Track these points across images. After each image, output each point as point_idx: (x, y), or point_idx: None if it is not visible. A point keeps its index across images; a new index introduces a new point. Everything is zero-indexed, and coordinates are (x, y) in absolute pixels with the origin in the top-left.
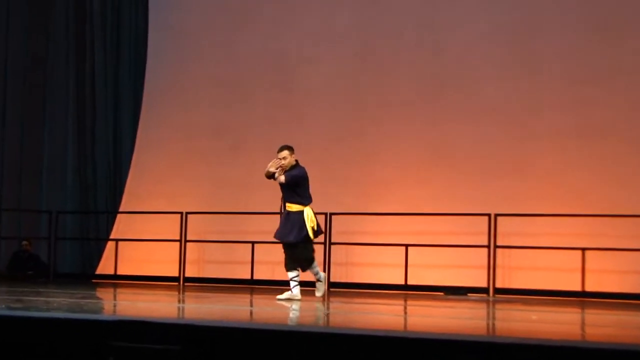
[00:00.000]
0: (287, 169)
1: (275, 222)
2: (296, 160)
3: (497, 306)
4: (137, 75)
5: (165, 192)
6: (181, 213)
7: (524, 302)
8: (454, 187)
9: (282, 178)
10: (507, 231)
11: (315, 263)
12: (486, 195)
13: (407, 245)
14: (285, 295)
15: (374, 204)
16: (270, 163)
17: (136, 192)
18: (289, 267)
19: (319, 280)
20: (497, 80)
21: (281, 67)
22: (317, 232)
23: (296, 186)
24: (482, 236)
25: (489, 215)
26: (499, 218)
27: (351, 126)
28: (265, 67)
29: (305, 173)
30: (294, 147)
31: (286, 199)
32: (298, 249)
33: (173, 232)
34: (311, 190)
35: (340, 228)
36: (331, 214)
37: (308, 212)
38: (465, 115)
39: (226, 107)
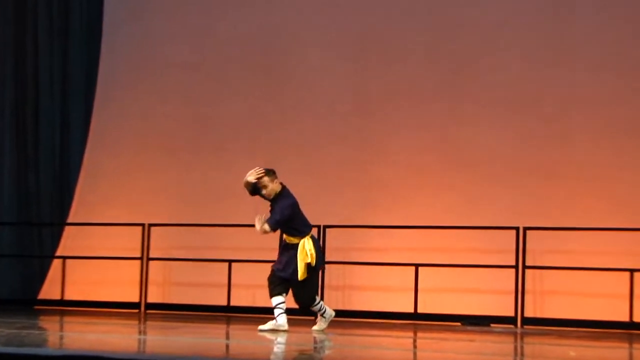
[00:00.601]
0: (271, 197)
1: (256, 235)
2: (281, 184)
3: (527, 340)
4: (89, 64)
5: (124, 199)
6: (143, 225)
7: (560, 335)
8: (473, 195)
9: (267, 227)
10: (539, 248)
11: (319, 300)
12: (513, 206)
13: (417, 265)
14: (269, 325)
15: (377, 215)
16: (256, 221)
17: (88, 200)
18: (274, 291)
19: (323, 316)
20: (527, 68)
21: (268, 51)
22: (314, 267)
23: (289, 220)
24: (509, 254)
25: (516, 229)
26: (528, 232)
27: (351, 121)
28: (249, 51)
29: (294, 199)
30: (274, 170)
31: (282, 232)
32: (296, 285)
33: (133, 248)
34: (302, 199)
35: (336, 244)
36: (325, 226)
37: (303, 245)
38: (487, 110)
39: (200, 99)
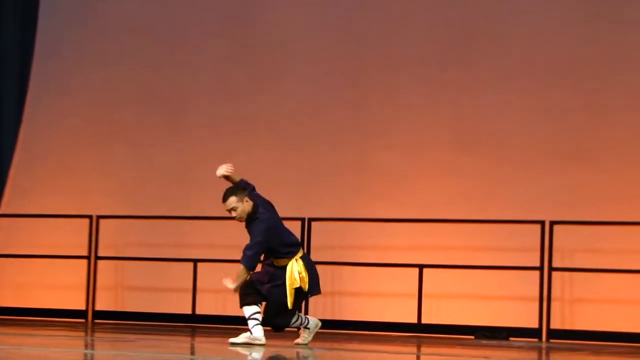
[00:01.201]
0: (244, 219)
1: (228, 229)
2: (254, 202)
3: (553, 356)
4: (23, 28)
5: (67, 187)
6: (90, 217)
7: (592, 351)
8: (490, 182)
9: (243, 272)
10: (568, 246)
11: (298, 316)
12: (537, 195)
13: (421, 266)
14: (242, 338)
15: (373, 205)
16: (226, 283)
17: (23, 187)
18: (246, 300)
19: (306, 327)
20: (552, 33)
21: (236, 5)
22: (306, 294)
23: (271, 247)
24: (532, 254)
25: (541, 223)
26: (556, 227)
27: (343, 96)
28: (217, 9)
29: (268, 220)
30: (243, 186)
31: (266, 257)
32: (274, 305)
33: (78, 245)
34: (279, 186)
35: (322, 240)
36: (310, 219)
37: (292, 269)
38: (508, 80)
39: (158, 65)
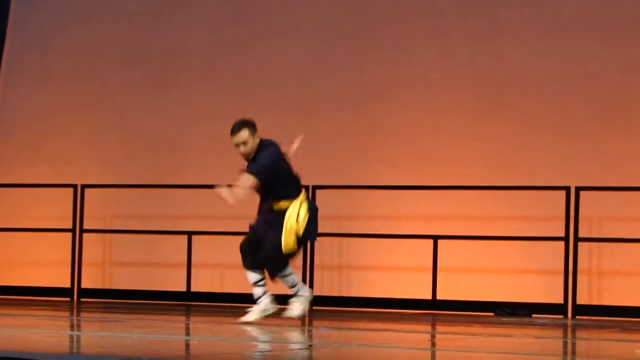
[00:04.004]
0: (251, 156)
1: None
2: (260, 140)
3: (580, 334)
4: None
5: (49, 154)
6: (74, 186)
7: (622, 328)
8: (510, 146)
9: (248, 181)
10: (596, 215)
11: (292, 271)
12: (563, 160)
13: (436, 238)
14: (255, 313)
15: (383, 173)
16: (222, 193)
17: (1, 155)
18: (249, 263)
19: (298, 295)
20: None
21: None
22: (301, 239)
23: (274, 179)
24: (556, 223)
25: (566, 189)
26: (582, 194)
27: (350, 50)
28: None
29: (279, 151)
30: (254, 122)
31: (266, 198)
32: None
33: (62, 217)
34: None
35: (329, 210)
36: (315, 187)
37: (296, 208)
38: (530, 37)
39: (146, 22)
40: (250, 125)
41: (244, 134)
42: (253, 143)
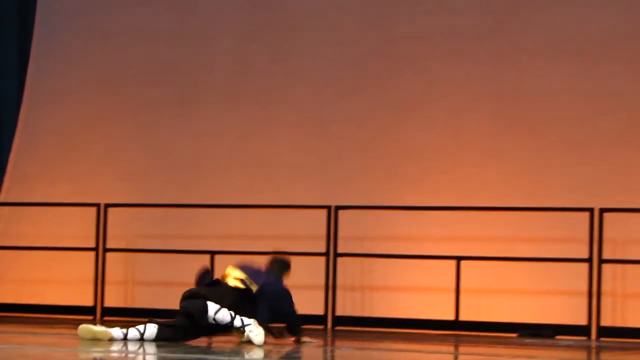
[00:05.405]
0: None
1: (246, 218)
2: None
3: (604, 356)
4: None
5: (72, 172)
6: (97, 205)
7: None
8: (534, 166)
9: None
10: (621, 237)
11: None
12: (586, 181)
13: (459, 259)
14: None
15: (405, 193)
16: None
17: (25, 173)
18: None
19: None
20: None
21: None
22: None
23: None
24: (580, 245)
25: (590, 210)
26: (606, 215)
27: (371, 69)
28: None
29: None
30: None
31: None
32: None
33: (85, 236)
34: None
35: (351, 231)
36: (337, 207)
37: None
38: (551, 56)
39: (168, 38)
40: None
41: None
42: None
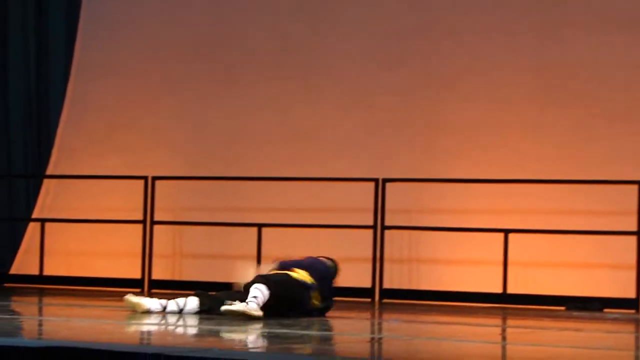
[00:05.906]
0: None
1: (290, 192)
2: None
3: None
4: None
5: (119, 145)
6: (145, 178)
7: None
8: (580, 139)
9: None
10: None
11: None
12: (635, 152)
13: (507, 231)
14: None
15: (450, 165)
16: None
17: (72, 146)
18: None
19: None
20: None
21: None
22: None
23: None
24: (629, 217)
25: (638, 183)
26: None
27: (414, 42)
28: None
29: None
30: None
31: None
32: None
33: (132, 209)
34: (350, 142)
35: (398, 203)
36: (384, 180)
37: None
38: (596, 24)
39: (213, 14)
40: None
41: None
42: None
